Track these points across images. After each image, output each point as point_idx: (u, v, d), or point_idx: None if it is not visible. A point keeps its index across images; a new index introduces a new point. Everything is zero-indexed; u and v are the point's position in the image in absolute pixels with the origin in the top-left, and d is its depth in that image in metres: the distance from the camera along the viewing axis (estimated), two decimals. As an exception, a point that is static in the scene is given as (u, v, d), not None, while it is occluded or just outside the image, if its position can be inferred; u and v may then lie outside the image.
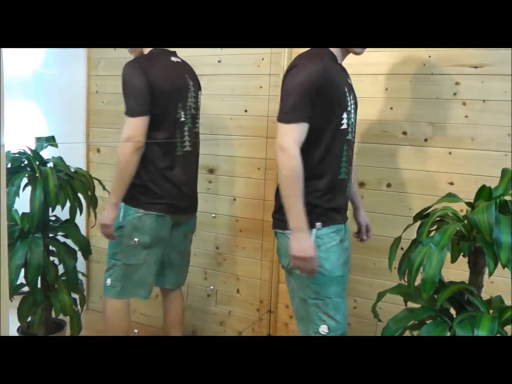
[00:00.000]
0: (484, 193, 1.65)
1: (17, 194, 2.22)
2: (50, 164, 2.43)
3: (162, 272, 2.30)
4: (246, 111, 2.58)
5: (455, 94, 2.14)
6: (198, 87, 2.21)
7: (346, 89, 1.76)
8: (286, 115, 1.69)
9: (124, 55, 2.15)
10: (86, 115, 3.08)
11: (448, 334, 1.49)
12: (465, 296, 1.62)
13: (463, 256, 1.61)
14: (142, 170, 2.06)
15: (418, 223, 1.71)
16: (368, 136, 2.31)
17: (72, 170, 2.48)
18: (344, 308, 1.81)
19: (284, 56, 2.40)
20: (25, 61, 3.17)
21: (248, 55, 2.52)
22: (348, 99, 1.77)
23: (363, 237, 2.05)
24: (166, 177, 2.11)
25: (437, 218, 1.66)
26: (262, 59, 2.46)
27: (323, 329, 1.77)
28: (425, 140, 2.21)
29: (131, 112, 1.97)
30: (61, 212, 2.42)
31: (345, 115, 1.75)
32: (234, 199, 2.67)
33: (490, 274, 1.46)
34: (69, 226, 2.45)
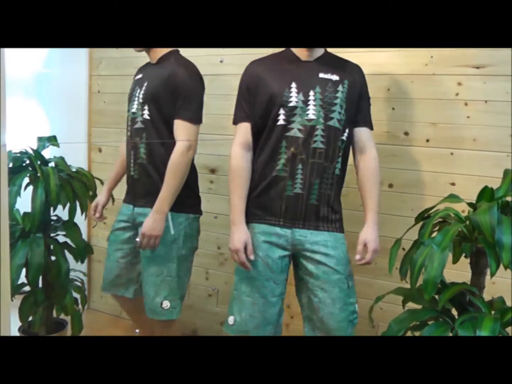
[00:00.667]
0: (486, 194, 1.64)
1: (18, 193, 2.22)
2: (52, 164, 2.43)
3: None
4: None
5: (457, 94, 2.14)
6: None
7: (294, 85, 1.77)
8: (233, 117, 1.91)
9: (126, 54, 2.16)
10: (88, 114, 3.09)
11: (450, 335, 1.49)
12: (467, 297, 1.62)
13: (465, 257, 1.61)
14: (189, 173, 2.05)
15: (418, 224, 1.71)
16: (370, 136, 2.31)
17: (74, 170, 2.48)
18: (250, 309, 1.83)
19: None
20: (26, 61, 3.17)
21: (250, 55, 2.50)
22: (292, 94, 1.77)
23: (356, 257, 1.81)
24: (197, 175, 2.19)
25: (439, 219, 1.65)
26: (264, 59, 2.46)
27: (230, 320, 1.89)
28: (427, 140, 2.20)
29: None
30: (63, 212, 2.42)
31: (282, 111, 1.77)
32: (236, 199, 2.67)
33: (492, 275, 1.46)
34: (69, 226, 2.45)
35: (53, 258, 2.46)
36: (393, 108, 2.25)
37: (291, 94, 1.77)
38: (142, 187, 2.08)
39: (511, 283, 2.01)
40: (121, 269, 2.18)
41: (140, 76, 2.15)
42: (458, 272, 1.92)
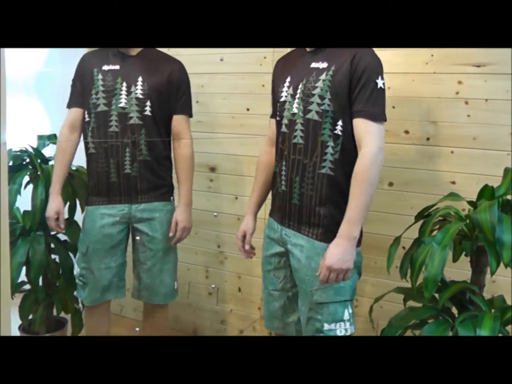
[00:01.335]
0: (486, 192, 1.65)
1: (18, 192, 2.22)
2: (52, 162, 2.43)
3: None
4: (248, 109, 2.57)
5: (457, 93, 2.13)
6: None
7: (288, 79, 1.72)
8: None
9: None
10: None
11: (450, 333, 1.49)
12: (467, 296, 1.62)
13: (465, 255, 1.61)
14: None
15: (419, 223, 1.71)
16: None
17: (74, 168, 2.48)
18: (263, 300, 1.99)
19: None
20: (27, 60, 3.16)
21: (250, 53, 2.51)
22: (284, 89, 1.73)
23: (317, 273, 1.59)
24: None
25: (439, 218, 1.65)
26: (264, 57, 2.46)
27: None
28: (427, 139, 2.20)
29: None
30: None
31: (277, 107, 1.77)
32: (236, 198, 2.67)
33: (492, 273, 1.46)
34: (69, 224, 2.45)
35: (57, 256, 2.46)
36: (393, 107, 2.25)
37: (283, 89, 1.73)
38: (145, 183, 2.09)
39: (511, 282, 2.01)
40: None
41: (116, 67, 2.06)
42: (459, 270, 1.92)
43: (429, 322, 1.56)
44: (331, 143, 1.61)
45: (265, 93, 2.49)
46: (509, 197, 1.60)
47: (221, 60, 2.62)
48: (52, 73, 3.17)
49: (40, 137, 2.52)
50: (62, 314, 2.49)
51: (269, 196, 1.91)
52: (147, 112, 2.04)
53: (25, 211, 2.34)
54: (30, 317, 2.46)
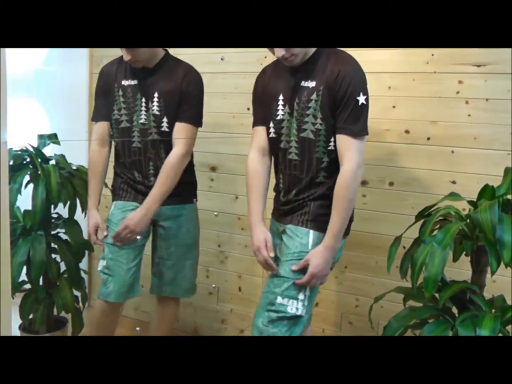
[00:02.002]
0: (487, 192, 1.65)
1: (19, 191, 2.22)
2: (52, 162, 2.44)
3: None
4: (248, 109, 2.55)
5: (458, 92, 2.13)
6: None
7: (281, 98, 1.76)
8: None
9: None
10: (88, 112, 3.08)
11: (450, 333, 1.49)
12: (468, 295, 1.62)
13: (466, 255, 1.61)
14: None
15: (419, 222, 1.71)
16: (371, 134, 2.28)
17: (74, 167, 2.48)
18: None
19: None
20: (27, 59, 3.17)
21: (250, 53, 2.51)
22: (279, 108, 1.77)
23: (293, 267, 1.70)
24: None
25: (440, 217, 1.65)
26: (265, 57, 2.45)
27: None
28: (428, 138, 2.20)
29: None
30: (63, 210, 2.42)
31: (272, 125, 1.81)
32: (236, 197, 2.67)
33: (493, 273, 1.46)
34: (69, 224, 2.45)
35: (58, 256, 2.46)
36: (394, 106, 2.25)
37: (278, 107, 1.77)
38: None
39: (511, 282, 2.01)
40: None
41: (135, 82, 2.08)
42: (459, 270, 1.92)
43: (429, 322, 1.56)
44: (325, 158, 1.73)
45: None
46: (509, 196, 1.60)
47: (222, 59, 2.62)
48: (52, 73, 3.17)
49: (41, 137, 2.52)
50: (63, 314, 2.49)
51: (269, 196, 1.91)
52: (164, 128, 2.07)
53: (25, 211, 2.34)
54: (31, 316, 2.46)
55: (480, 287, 1.63)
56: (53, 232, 2.49)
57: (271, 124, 1.80)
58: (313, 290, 1.74)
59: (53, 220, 2.49)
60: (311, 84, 1.69)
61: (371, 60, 2.23)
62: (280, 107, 1.76)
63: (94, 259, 3.14)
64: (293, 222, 1.79)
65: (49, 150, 2.55)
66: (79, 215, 2.45)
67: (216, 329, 2.82)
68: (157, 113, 2.06)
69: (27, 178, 2.31)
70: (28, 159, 2.38)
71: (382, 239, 2.26)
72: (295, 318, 1.69)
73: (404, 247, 1.76)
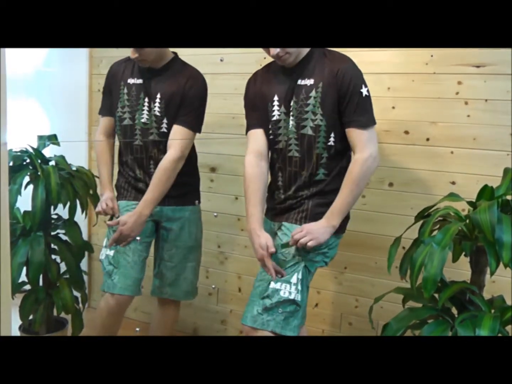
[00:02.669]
0: (486, 192, 1.65)
1: (19, 192, 2.22)
2: (52, 163, 2.44)
3: None
4: (248, 110, 2.57)
5: (457, 93, 2.14)
6: None
7: (276, 98, 1.79)
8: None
9: (126, 53, 2.15)
10: (88, 113, 3.08)
11: (450, 333, 1.49)
12: (467, 296, 1.62)
13: (465, 255, 1.61)
14: None
15: (419, 223, 1.71)
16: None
17: (74, 168, 2.48)
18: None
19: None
20: (27, 60, 3.17)
21: (250, 54, 2.51)
22: (275, 109, 1.79)
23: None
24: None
25: (439, 218, 1.65)
26: (264, 58, 2.45)
27: None
28: (427, 139, 2.20)
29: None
30: (63, 211, 2.42)
31: (269, 126, 1.84)
32: (236, 198, 2.67)
33: (492, 273, 1.46)
34: (69, 225, 2.45)
35: (57, 256, 2.46)
36: (393, 107, 2.25)
37: (274, 108, 1.80)
38: (171, 190, 2.10)
39: (511, 282, 2.01)
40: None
41: (140, 81, 2.10)
42: (458, 270, 1.92)
43: (428, 323, 1.56)
44: (325, 154, 1.76)
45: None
46: (508, 197, 1.60)
47: (221, 60, 2.63)
48: (52, 73, 3.17)
49: (40, 138, 2.52)
50: (63, 315, 2.49)
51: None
52: (164, 129, 2.09)
53: (25, 211, 2.35)
54: (31, 317, 2.46)
55: (479, 288, 1.63)
56: (53, 233, 2.49)
57: (270, 126, 1.83)
58: (305, 274, 1.74)
59: (53, 221, 2.49)
60: (309, 82, 1.73)
61: (371, 61, 2.23)
62: (276, 107, 1.79)
63: (94, 260, 3.14)
64: (289, 220, 1.80)
65: (49, 151, 2.55)
66: (79, 216, 2.45)
67: (216, 329, 2.82)
68: (158, 113, 2.07)
69: (27, 179, 2.31)
70: (28, 160, 2.38)
71: (382, 240, 2.26)
72: (290, 306, 1.69)
73: (403, 248, 1.76)
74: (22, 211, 2.40)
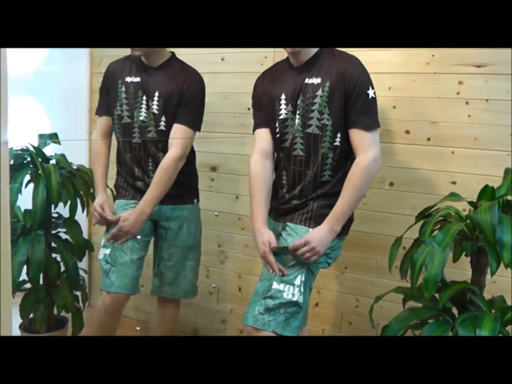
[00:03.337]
0: (487, 192, 1.65)
1: (19, 191, 2.22)
2: (53, 161, 2.44)
3: None
4: (249, 109, 2.55)
5: (458, 93, 2.13)
6: None
7: (283, 97, 1.79)
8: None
9: (127, 52, 2.15)
10: (89, 112, 3.08)
11: (450, 333, 1.49)
12: (468, 296, 1.62)
13: (466, 255, 1.61)
14: None
15: (419, 223, 1.71)
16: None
17: (75, 167, 2.48)
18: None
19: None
20: (28, 59, 3.17)
21: (251, 53, 2.51)
22: (282, 107, 1.80)
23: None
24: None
25: (440, 218, 1.65)
26: (265, 57, 2.46)
27: None
28: (428, 139, 2.20)
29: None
30: (64, 209, 2.42)
31: (276, 124, 1.83)
32: (237, 197, 2.67)
33: (493, 274, 1.46)
34: (69, 224, 2.45)
35: (58, 255, 2.46)
36: (394, 107, 2.25)
37: (281, 107, 1.81)
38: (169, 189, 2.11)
39: (511, 282, 2.01)
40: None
41: (138, 79, 2.11)
42: (459, 270, 1.92)
43: (429, 323, 1.56)
44: (331, 154, 1.76)
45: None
46: (509, 197, 1.60)
47: (222, 59, 2.62)
48: (52, 73, 3.17)
49: (41, 136, 2.53)
50: (63, 313, 2.49)
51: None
52: (162, 127, 2.09)
53: (26, 210, 2.35)
54: (31, 316, 2.46)
55: (480, 288, 1.63)
56: (53, 232, 2.49)
57: (278, 124, 1.83)
58: (308, 276, 1.74)
59: (53, 220, 2.49)
60: (316, 80, 1.73)
61: (372, 60, 2.22)
62: (283, 106, 1.79)
63: (94, 259, 3.14)
64: (293, 220, 1.80)
65: (50, 150, 2.55)
66: (79, 215, 2.45)
67: (216, 329, 2.82)
68: (156, 112, 2.08)
69: (27, 177, 2.31)
70: (28, 159, 2.38)
71: (382, 240, 2.26)
72: (292, 307, 1.69)
73: (404, 248, 1.76)
74: (22, 210, 2.40)
